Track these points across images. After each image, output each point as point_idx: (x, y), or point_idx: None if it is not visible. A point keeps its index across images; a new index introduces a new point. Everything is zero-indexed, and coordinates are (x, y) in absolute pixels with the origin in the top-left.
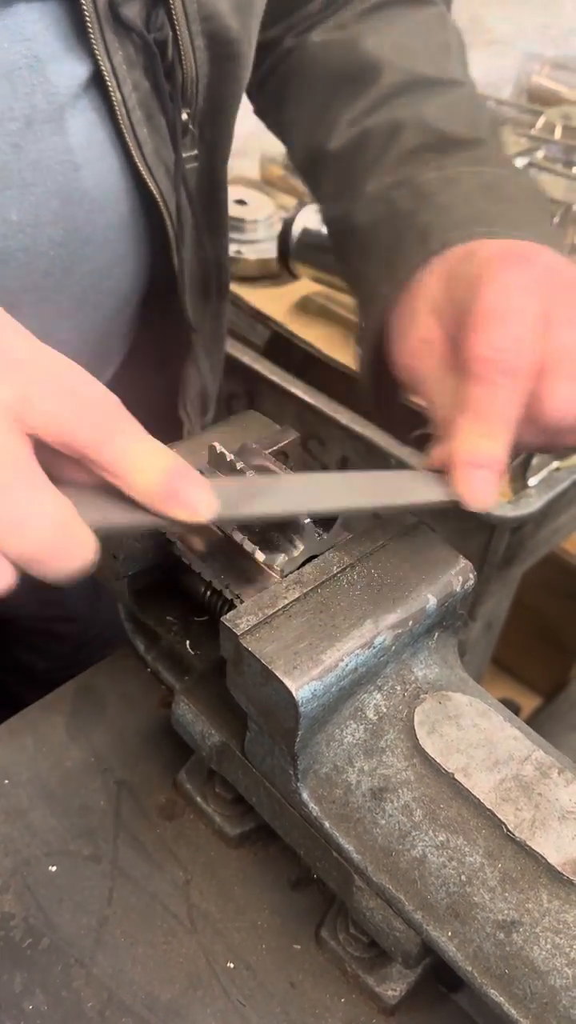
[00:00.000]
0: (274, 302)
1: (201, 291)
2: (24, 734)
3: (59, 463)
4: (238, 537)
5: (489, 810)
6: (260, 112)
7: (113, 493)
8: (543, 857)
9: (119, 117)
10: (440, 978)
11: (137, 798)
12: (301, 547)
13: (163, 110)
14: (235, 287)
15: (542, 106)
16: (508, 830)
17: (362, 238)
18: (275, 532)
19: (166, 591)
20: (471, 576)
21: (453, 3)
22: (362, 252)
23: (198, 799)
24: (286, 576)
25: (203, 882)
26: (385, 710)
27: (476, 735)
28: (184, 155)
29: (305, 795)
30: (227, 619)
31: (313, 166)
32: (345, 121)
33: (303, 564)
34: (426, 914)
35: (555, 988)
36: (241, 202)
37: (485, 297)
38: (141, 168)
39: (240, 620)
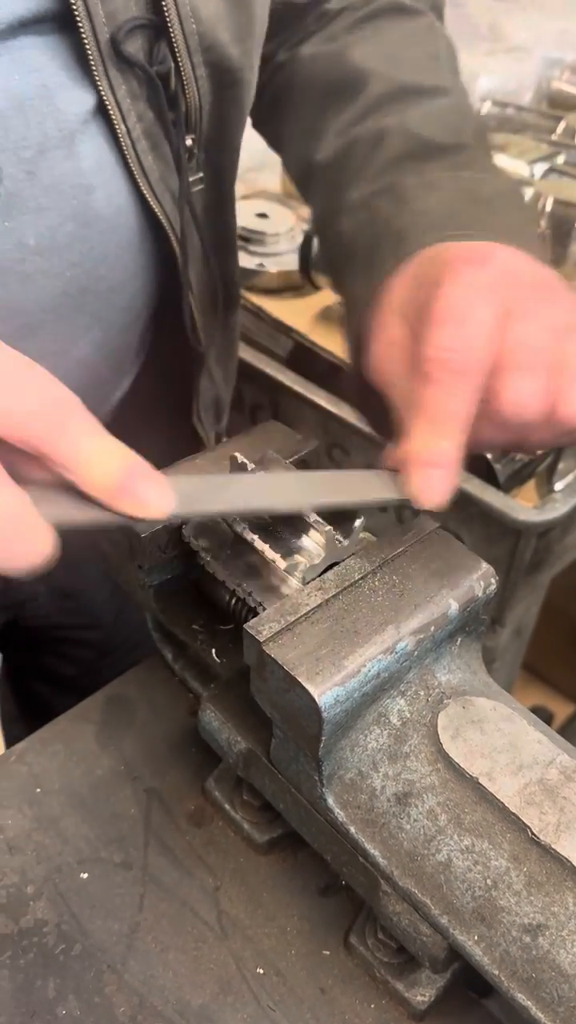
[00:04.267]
0: (297, 313)
1: (210, 307)
2: (55, 743)
3: (22, 461)
4: (259, 545)
5: (514, 814)
6: (257, 124)
7: (72, 490)
8: (568, 860)
9: (124, 147)
10: (470, 984)
11: (166, 805)
12: (321, 553)
13: (167, 137)
14: (257, 299)
15: (562, 111)
16: (533, 834)
17: (345, 246)
18: (294, 539)
19: (192, 600)
20: (493, 581)
21: (472, 10)
22: (345, 259)
23: (226, 806)
24: (307, 583)
25: (232, 888)
26: (408, 715)
27: (500, 739)
28: (190, 178)
29: (330, 801)
30: (249, 626)
31: (305, 179)
32: (332, 132)
33: (324, 571)
34: (452, 918)
35: None
36: (263, 215)
37: (440, 298)
38: (147, 194)
39: (263, 627)
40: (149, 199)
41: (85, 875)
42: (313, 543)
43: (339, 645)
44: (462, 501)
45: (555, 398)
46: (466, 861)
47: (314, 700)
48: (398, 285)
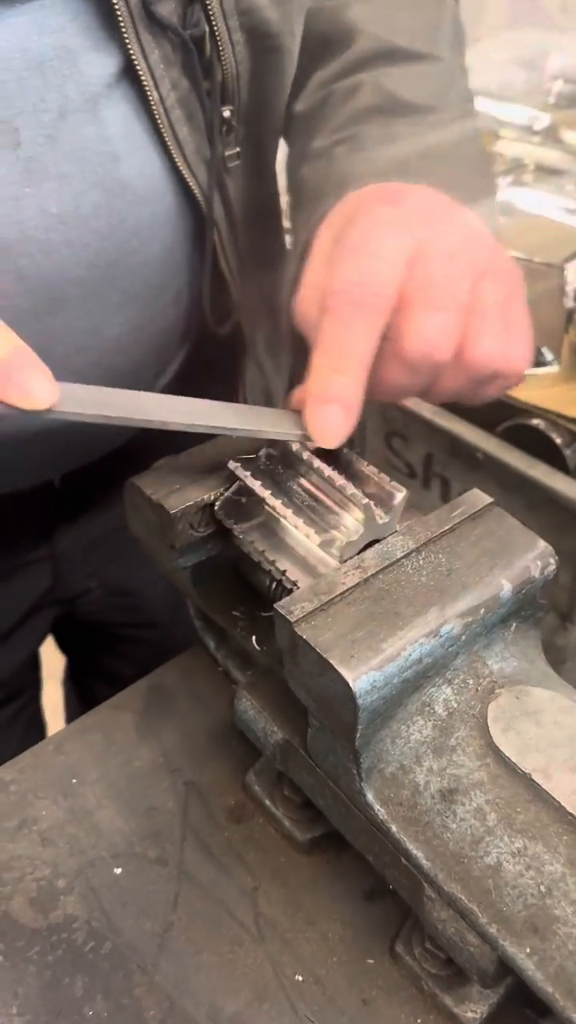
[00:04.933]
0: None
1: (255, 289)
2: (94, 732)
3: None
4: (292, 520)
5: (571, 814)
6: None
7: None
8: None
9: (157, 116)
10: (527, 1001)
11: (205, 800)
12: (360, 530)
13: (203, 107)
14: None
15: None
16: None
17: (300, 192)
18: (332, 515)
19: (233, 585)
20: (552, 561)
21: None
22: (297, 204)
23: (267, 802)
24: (345, 561)
25: (272, 889)
26: (456, 705)
27: (558, 733)
28: (228, 152)
29: (370, 796)
30: (280, 606)
31: (286, 130)
32: (314, 84)
33: (364, 549)
34: (502, 928)
35: None
36: None
37: (347, 235)
38: (182, 167)
39: (294, 607)
40: (184, 172)
41: (118, 870)
42: (352, 519)
43: (377, 627)
44: (528, 487)
45: (463, 340)
46: (517, 865)
47: (348, 685)
48: (324, 228)
